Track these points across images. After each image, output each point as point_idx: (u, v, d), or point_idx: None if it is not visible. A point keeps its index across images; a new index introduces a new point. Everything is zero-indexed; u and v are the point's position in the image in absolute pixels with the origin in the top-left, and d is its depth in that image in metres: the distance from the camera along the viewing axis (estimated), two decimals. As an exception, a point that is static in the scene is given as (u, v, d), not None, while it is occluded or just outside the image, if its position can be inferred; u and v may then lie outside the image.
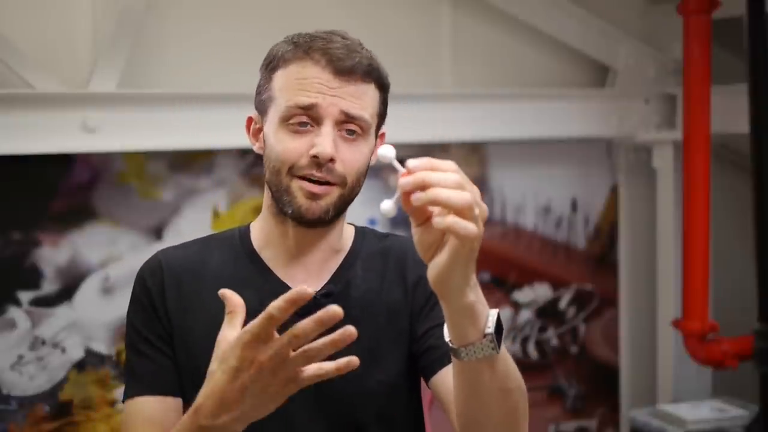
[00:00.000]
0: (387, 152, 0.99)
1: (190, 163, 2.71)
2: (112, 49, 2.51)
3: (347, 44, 1.29)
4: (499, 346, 1.04)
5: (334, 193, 1.28)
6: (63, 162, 2.56)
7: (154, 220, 2.68)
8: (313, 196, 1.26)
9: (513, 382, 1.09)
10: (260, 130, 1.34)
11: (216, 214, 2.75)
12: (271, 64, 1.31)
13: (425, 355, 1.31)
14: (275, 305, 1.00)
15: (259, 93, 1.34)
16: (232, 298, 1.09)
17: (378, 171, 2.88)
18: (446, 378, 1.23)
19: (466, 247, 0.96)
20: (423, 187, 0.94)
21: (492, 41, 3.09)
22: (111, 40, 2.51)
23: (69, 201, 2.59)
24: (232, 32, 2.70)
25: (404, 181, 0.95)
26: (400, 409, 1.35)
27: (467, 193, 0.94)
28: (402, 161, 0.98)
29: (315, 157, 1.25)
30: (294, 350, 1.02)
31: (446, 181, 0.94)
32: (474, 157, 3.08)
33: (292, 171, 1.27)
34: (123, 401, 1.34)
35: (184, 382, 1.32)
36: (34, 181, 2.55)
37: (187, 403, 1.31)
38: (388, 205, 0.98)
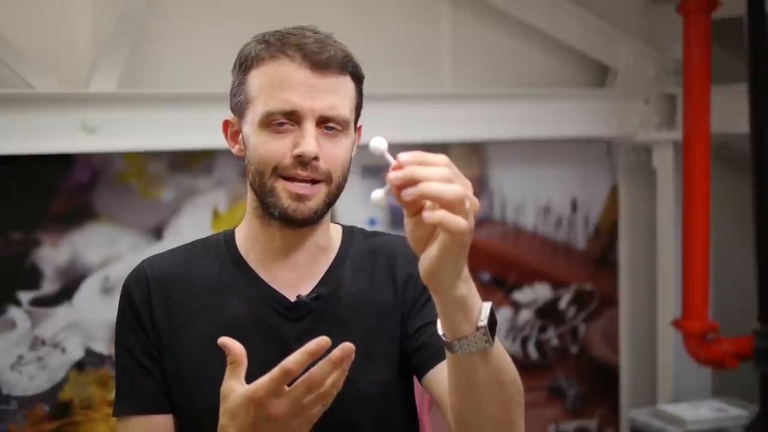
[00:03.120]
0: (379, 144, 0.98)
1: (190, 163, 2.72)
2: (112, 49, 2.52)
3: (320, 38, 1.28)
4: (493, 339, 1.03)
5: (321, 192, 1.27)
6: (63, 162, 2.56)
7: (154, 220, 2.69)
8: (300, 198, 1.25)
9: (508, 375, 1.09)
10: (238, 132, 1.33)
11: (216, 214, 2.75)
12: (244, 65, 1.30)
13: (418, 353, 1.30)
14: (293, 359, 1.00)
15: (234, 95, 1.32)
16: (233, 348, 1.07)
17: (378, 171, 2.88)
18: (440, 375, 1.22)
19: (457, 242, 0.96)
20: (413, 181, 0.94)
21: (492, 41, 3.09)
22: (111, 40, 2.51)
23: (69, 201, 2.59)
24: (233, 32, 2.67)
25: (393, 175, 0.95)
26: (394, 410, 1.34)
27: (457, 187, 0.94)
28: (395, 156, 0.97)
29: (299, 156, 1.23)
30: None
31: (436, 175, 0.94)
32: (474, 157, 3.08)
33: (277, 171, 1.25)
34: (113, 416, 1.33)
35: (173, 391, 1.31)
36: (34, 181, 2.55)
37: (175, 412, 1.31)
38: (378, 195, 0.97)
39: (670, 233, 3.15)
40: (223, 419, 1.06)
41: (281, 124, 1.25)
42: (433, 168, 0.94)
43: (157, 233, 2.69)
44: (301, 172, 1.24)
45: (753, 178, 2.45)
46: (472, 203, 0.96)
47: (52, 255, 2.57)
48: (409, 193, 0.94)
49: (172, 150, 2.65)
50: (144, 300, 1.32)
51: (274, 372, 1.01)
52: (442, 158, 0.96)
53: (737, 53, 2.78)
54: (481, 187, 3.08)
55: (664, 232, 3.19)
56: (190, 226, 2.68)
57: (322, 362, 1.00)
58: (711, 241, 2.94)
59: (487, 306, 1.04)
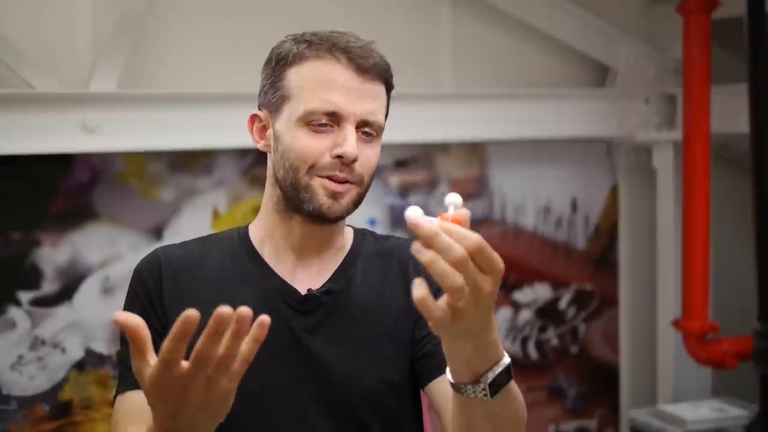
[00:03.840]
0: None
1: (190, 163, 2.71)
2: (112, 49, 2.51)
3: (364, 43, 1.30)
4: (493, 395, 1.01)
5: (352, 192, 1.29)
6: (63, 162, 2.56)
7: (154, 220, 2.68)
8: (335, 195, 1.27)
9: (509, 421, 1.08)
10: (265, 128, 1.33)
11: (216, 214, 2.75)
12: (283, 61, 1.30)
13: (422, 361, 1.30)
14: (165, 347, 0.94)
15: (266, 91, 1.32)
16: (130, 324, 0.96)
17: (378, 171, 2.88)
18: (441, 385, 1.22)
19: (438, 325, 0.95)
20: (428, 245, 0.93)
21: (492, 41, 3.09)
22: (111, 40, 2.51)
23: (69, 201, 2.59)
24: (232, 32, 2.70)
25: (414, 223, 0.92)
26: (402, 409, 1.34)
27: (458, 278, 0.92)
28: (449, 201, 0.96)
29: (339, 157, 1.25)
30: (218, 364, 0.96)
31: (449, 253, 0.91)
32: (474, 157, 3.08)
33: (313, 170, 1.26)
34: (114, 397, 1.31)
35: None
36: (34, 181, 2.55)
37: None
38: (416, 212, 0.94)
39: (670, 233, 3.15)
40: (148, 400, 1.01)
41: (322, 124, 1.26)
42: (452, 246, 0.91)
43: (157, 233, 2.69)
44: (339, 173, 1.26)
45: (753, 178, 2.45)
46: (481, 294, 0.93)
47: (52, 255, 2.57)
48: (417, 250, 0.93)
49: (172, 150, 2.65)
50: (156, 282, 1.32)
51: (157, 360, 0.96)
52: (470, 242, 0.92)
53: (737, 53, 2.78)
54: (481, 187, 3.08)
55: (664, 232, 3.19)
56: (190, 226, 2.68)
57: (202, 335, 0.94)
58: (711, 241, 2.94)
59: (503, 364, 1.02)
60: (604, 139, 3.21)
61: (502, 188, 3.12)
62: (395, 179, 2.94)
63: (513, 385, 1.06)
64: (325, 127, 1.26)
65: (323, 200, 1.27)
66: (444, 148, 3.01)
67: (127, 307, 1.35)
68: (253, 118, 1.36)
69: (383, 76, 1.31)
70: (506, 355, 1.03)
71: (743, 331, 2.72)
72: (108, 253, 2.63)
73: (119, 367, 1.36)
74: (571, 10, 3.07)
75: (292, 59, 1.29)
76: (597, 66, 3.22)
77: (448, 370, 1.05)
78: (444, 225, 0.93)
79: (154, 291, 1.32)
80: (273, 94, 1.31)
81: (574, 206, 3.24)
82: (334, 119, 1.26)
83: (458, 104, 2.95)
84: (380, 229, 2.91)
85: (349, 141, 1.25)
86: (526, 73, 3.14)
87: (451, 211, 0.96)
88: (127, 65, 2.55)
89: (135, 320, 0.96)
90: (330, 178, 1.26)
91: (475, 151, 3.08)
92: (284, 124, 1.29)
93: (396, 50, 2.90)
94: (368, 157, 1.29)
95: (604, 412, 3.32)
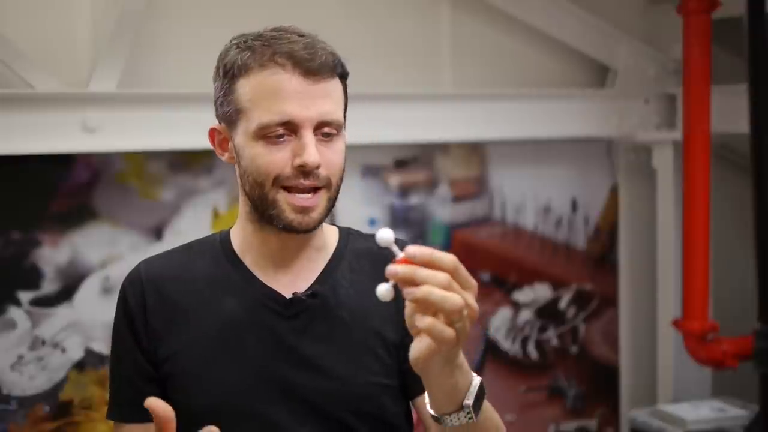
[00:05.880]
0: (386, 235, 0.98)
1: (190, 163, 2.71)
2: (112, 49, 2.51)
3: (308, 42, 1.25)
4: (477, 413, 1.05)
5: (323, 200, 1.26)
6: (63, 162, 2.56)
7: (154, 220, 2.69)
8: (303, 210, 1.24)
9: (492, 428, 1.14)
10: (227, 140, 1.31)
11: (216, 214, 2.75)
12: (230, 72, 1.27)
13: (409, 374, 1.25)
14: None
15: (221, 104, 1.30)
16: (158, 408, 1.02)
17: (378, 171, 2.88)
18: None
19: (444, 350, 0.97)
20: (412, 282, 0.94)
21: (492, 41, 3.09)
22: (111, 40, 2.51)
23: (69, 201, 2.59)
24: (232, 32, 2.68)
25: (392, 270, 0.95)
26: (392, 411, 1.33)
27: (457, 297, 0.94)
28: (399, 242, 0.97)
29: (301, 166, 1.22)
30: None
31: (435, 280, 0.94)
32: (474, 157, 3.08)
33: (278, 182, 1.24)
34: (105, 417, 1.37)
35: (169, 391, 1.30)
36: (34, 181, 2.55)
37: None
38: (384, 290, 0.96)
39: (670, 233, 3.15)
40: None
41: (279, 135, 1.23)
42: (434, 273, 0.94)
43: (157, 233, 2.69)
44: (304, 181, 1.23)
45: (753, 178, 2.45)
46: (471, 309, 0.96)
47: (52, 255, 2.57)
48: (410, 293, 0.94)
49: (172, 150, 2.65)
50: (138, 301, 1.32)
51: None
52: (448, 261, 0.95)
53: (737, 53, 2.78)
54: (481, 187, 3.08)
55: (664, 232, 3.19)
56: (190, 226, 2.68)
57: None
58: (711, 240, 2.94)
59: (476, 383, 1.06)
60: (604, 139, 3.21)
61: (502, 188, 3.12)
62: (395, 179, 2.94)
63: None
64: (282, 138, 1.23)
65: (291, 216, 1.24)
66: (444, 148, 3.01)
67: (113, 330, 1.37)
68: (212, 132, 1.34)
69: (334, 70, 1.26)
70: (474, 374, 1.07)
71: (743, 331, 2.72)
72: (108, 253, 2.63)
73: (109, 388, 1.38)
74: (571, 10, 3.07)
75: (238, 71, 1.26)
76: (597, 66, 3.22)
77: (428, 404, 1.07)
78: (422, 255, 0.94)
79: (136, 308, 1.32)
80: (227, 107, 1.29)
81: (574, 206, 3.24)
82: (290, 128, 1.23)
83: (458, 104, 2.95)
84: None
85: (308, 149, 1.22)
86: (526, 73, 3.14)
87: (396, 251, 0.97)
88: (127, 65, 2.55)
89: (160, 405, 1.02)
90: (294, 188, 1.24)
91: (475, 151, 3.08)
92: (242, 139, 1.27)
93: (396, 50, 2.94)
94: (331, 157, 1.25)
95: (604, 412, 3.32)
